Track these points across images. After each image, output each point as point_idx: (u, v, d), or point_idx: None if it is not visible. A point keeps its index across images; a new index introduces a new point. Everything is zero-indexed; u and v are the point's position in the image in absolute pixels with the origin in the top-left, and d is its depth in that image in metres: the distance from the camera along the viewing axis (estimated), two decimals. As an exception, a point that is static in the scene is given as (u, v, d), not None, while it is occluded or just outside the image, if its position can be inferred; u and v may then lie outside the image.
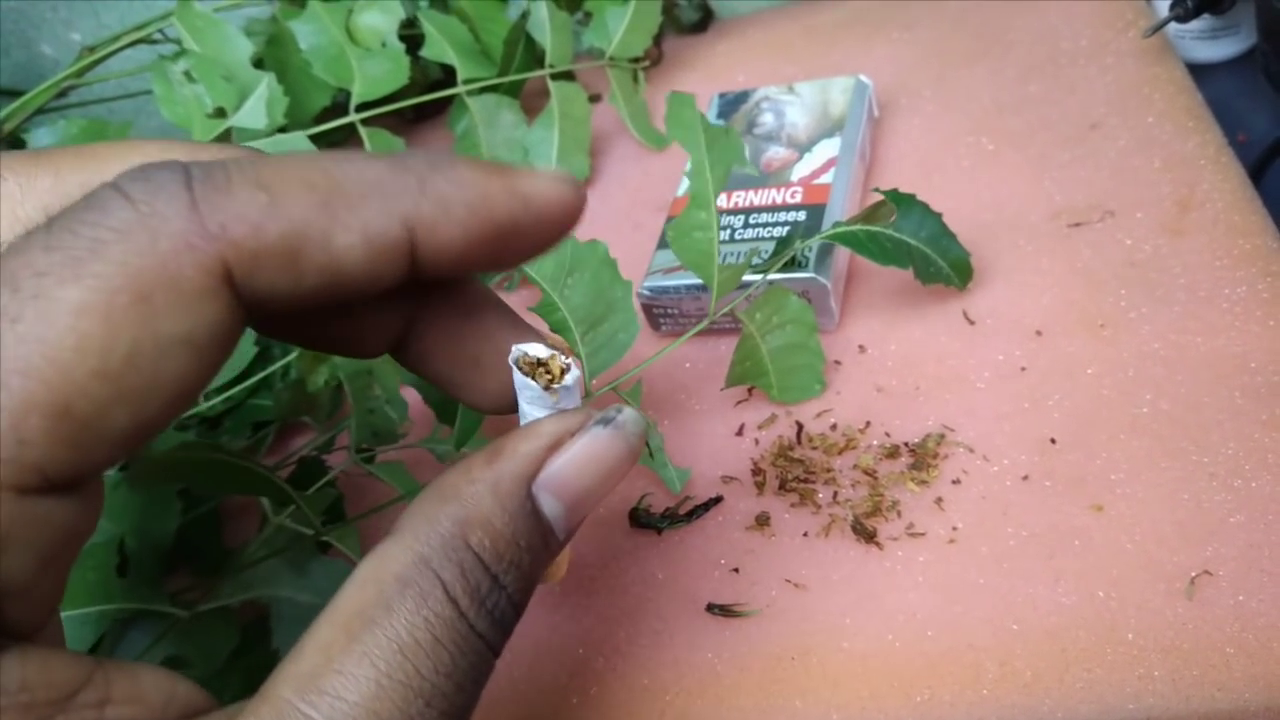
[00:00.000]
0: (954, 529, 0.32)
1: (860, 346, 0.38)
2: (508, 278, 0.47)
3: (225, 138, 0.46)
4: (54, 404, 0.17)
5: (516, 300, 0.46)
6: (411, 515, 0.20)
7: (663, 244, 0.41)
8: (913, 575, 0.31)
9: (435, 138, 0.58)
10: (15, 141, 0.49)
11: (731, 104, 0.47)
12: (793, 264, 0.38)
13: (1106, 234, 0.38)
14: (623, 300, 0.34)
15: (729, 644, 0.31)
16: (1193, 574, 0.28)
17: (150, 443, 0.19)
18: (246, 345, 0.44)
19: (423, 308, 0.24)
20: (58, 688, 0.18)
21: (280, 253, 0.18)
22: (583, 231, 0.30)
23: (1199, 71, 0.45)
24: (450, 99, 0.51)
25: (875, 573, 0.31)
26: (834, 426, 0.36)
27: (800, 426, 0.36)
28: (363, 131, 0.49)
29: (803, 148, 0.43)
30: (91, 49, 0.50)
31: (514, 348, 0.23)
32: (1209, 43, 0.47)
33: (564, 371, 0.23)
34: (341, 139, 0.52)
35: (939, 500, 0.32)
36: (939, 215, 0.36)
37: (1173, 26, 0.44)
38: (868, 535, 0.32)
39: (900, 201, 0.36)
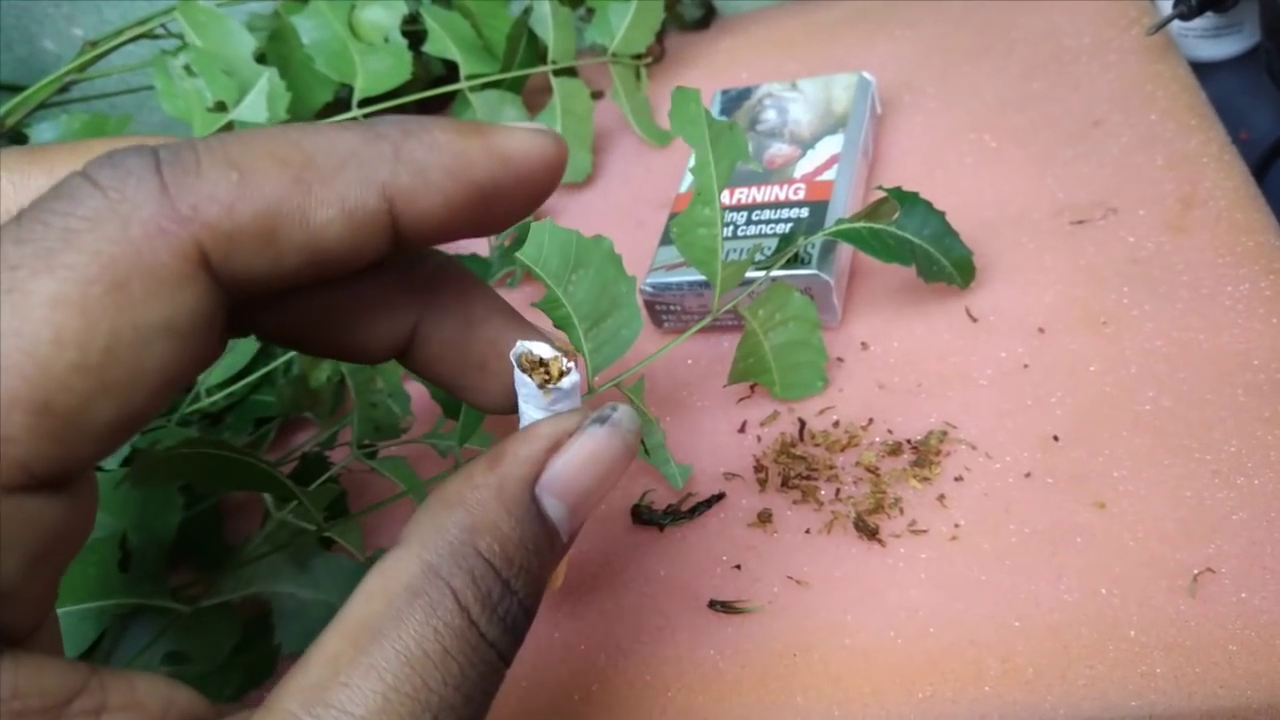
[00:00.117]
0: (956, 526, 0.32)
1: (863, 343, 0.38)
2: (510, 274, 0.47)
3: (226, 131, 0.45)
4: (34, 399, 0.16)
5: (520, 296, 0.46)
6: (417, 525, 0.20)
7: (665, 240, 0.41)
8: (915, 572, 0.31)
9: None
10: (17, 136, 0.49)
11: (734, 100, 0.47)
12: (795, 261, 0.38)
13: (1109, 231, 0.38)
14: (626, 296, 0.33)
15: (731, 641, 0.31)
16: (1195, 571, 0.28)
17: (139, 434, 0.19)
18: (248, 341, 0.44)
19: (428, 312, 0.24)
20: (52, 695, 0.17)
21: (256, 232, 0.18)
22: (586, 228, 0.30)
23: (1202, 69, 0.45)
24: (453, 95, 0.51)
25: (877, 569, 0.31)
26: (836, 423, 0.36)
27: (803, 423, 0.36)
28: (365, 127, 0.48)
29: (805, 144, 0.43)
30: (93, 44, 0.50)
31: (518, 343, 0.23)
32: (1212, 41, 0.47)
33: (563, 374, 0.23)
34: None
35: (941, 497, 0.32)
36: (942, 213, 0.36)
37: (1176, 24, 0.44)
38: (870, 532, 0.32)
39: (903, 199, 0.36)
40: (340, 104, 0.50)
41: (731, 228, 0.40)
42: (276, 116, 0.46)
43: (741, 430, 0.37)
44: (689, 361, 0.40)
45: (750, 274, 0.37)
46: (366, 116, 0.48)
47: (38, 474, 0.17)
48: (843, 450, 0.35)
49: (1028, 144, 0.43)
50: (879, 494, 0.33)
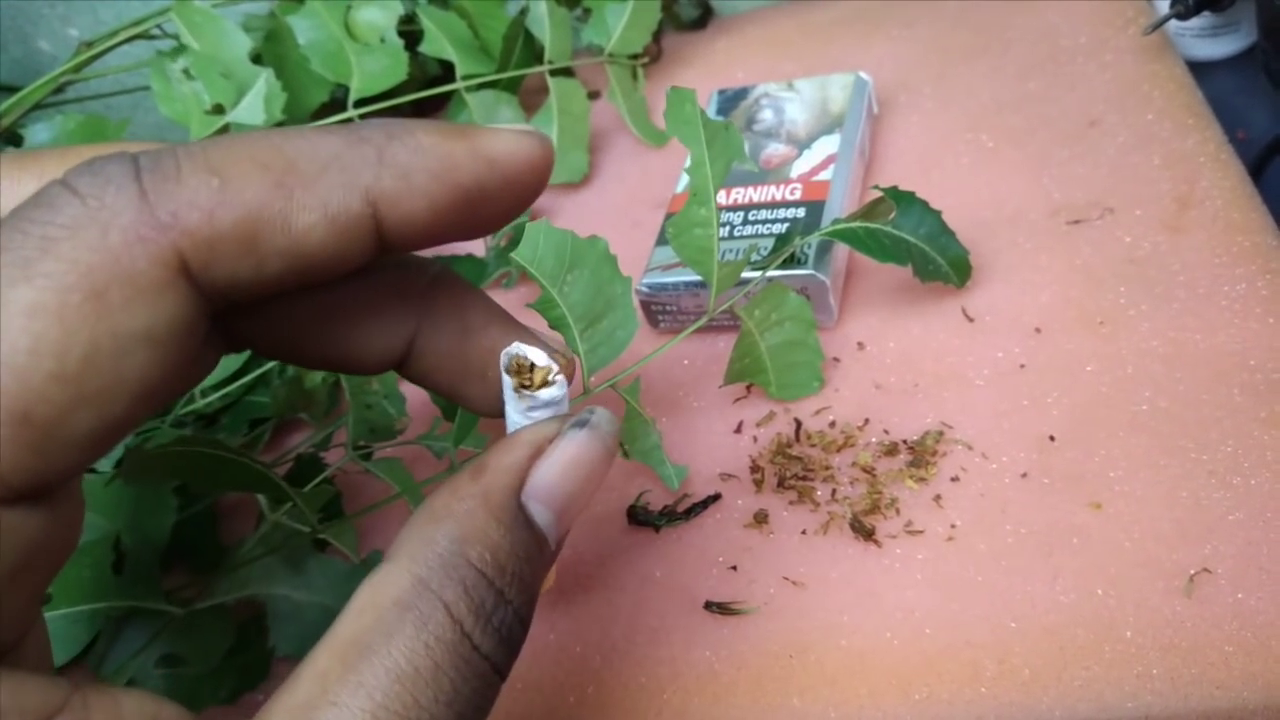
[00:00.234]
0: (952, 526, 0.32)
1: (859, 344, 0.38)
2: (505, 274, 0.47)
3: (222, 133, 0.45)
4: (12, 410, 0.16)
5: (515, 297, 0.46)
6: (406, 539, 0.20)
7: (661, 240, 0.41)
8: (911, 573, 0.31)
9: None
10: (12, 137, 0.49)
11: (731, 100, 0.47)
12: (792, 261, 0.38)
13: (1106, 231, 0.38)
14: (622, 297, 0.33)
15: (727, 642, 0.31)
16: (1191, 572, 0.28)
17: (123, 442, 0.18)
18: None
19: (425, 324, 0.23)
20: (33, 713, 0.17)
21: (237, 238, 0.18)
22: (582, 228, 0.30)
23: (1199, 69, 0.44)
24: (449, 95, 0.51)
25: (873, 570, 0.31)
26: (833, 424, 0.36)
27: (799, 424, 0.36)
28: (361, 128, 0.48)
29: (802, 144, 0.43)
30: (89, 45, 0.50)
31: (512, 345, 0.23)
32: (1209, 40, 0.47)
33: (546, 384, 0.23)
34: (339, 135, 0.52)
35: (937, 498, 0.32)
36: (938, 213, 0.36)
37: (1172, 24, 0.44)
38: (866, 533, 0.32)
39: (899, 199, 0.36)
40: (336, 104, 0.50)
41: (728, 228, 0.40)
42: (273, 117, 0.45)
43: (738, 431, 0.37)
44: (685, 362, 0.40)
45: (746, 274, 0.37)
46: (362, 117, 0.48)
47: (16, 486, 0.17)
48: (839, 451, 0.35)
49: (1024, 144, 0.43)
50: (875, 494, 0.33)
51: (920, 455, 0.33)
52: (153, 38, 0.50)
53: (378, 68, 0.49)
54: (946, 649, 0.29)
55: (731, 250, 0.39)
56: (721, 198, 0.41)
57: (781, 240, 0.39)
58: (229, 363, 0.44)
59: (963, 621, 0.29)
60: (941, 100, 0.47)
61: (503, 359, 0.23)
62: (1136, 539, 0.29)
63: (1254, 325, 0.33)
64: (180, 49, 0.47)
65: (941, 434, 0.34)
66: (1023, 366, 0.35)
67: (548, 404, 0.23)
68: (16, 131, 0.49)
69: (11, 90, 0.51)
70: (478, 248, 0.49)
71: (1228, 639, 0.27)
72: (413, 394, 0.41)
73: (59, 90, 0.52)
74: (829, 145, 0.42)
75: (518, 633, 0.20)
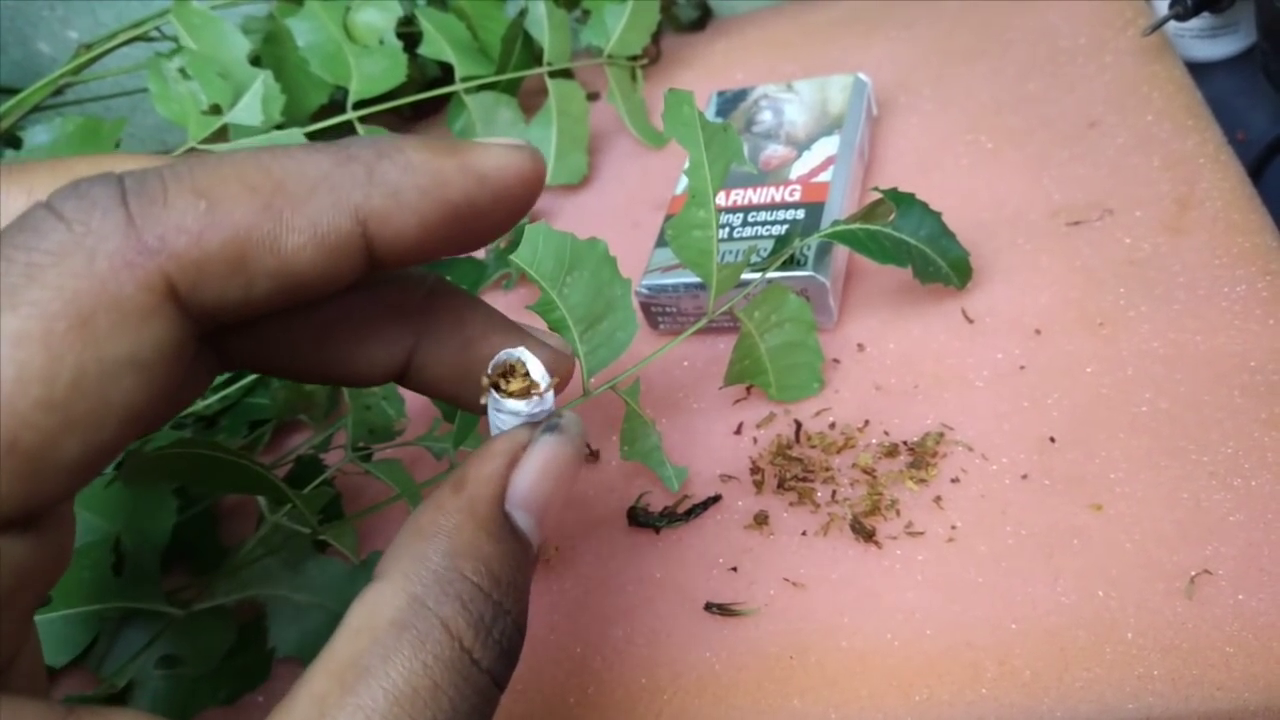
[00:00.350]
0: (953, 528, 0.32)
1: (859, 345, 0.38)
2: (505, 276, 0.47)
3: (221, 135, 0.45)
4: None
5: (515, 299, 0.46)
6: (396, 557, 0.20)
7: (661, 242, 0.41)
8: (911, 574, 0.31)
9: (433, 135, 0.58)
10: (12, 139, 0.49)
11: (730, 102, 0.47)
12: (791, 262, 0.38)
13: (1105, 232, 0.38)
14: (622, 298, 0.33)
15: (727, 643, 0.31)
16: (1192, 573, 0.28)
17: (108, 466, 0.18)
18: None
19: (424, 337, 0.23)
20: None
21: (225, 260, 0.18)
22: (581, 230, 0.30)
23: (1198, 70, 0.45)
24: (448, 97, 0.51)
25: (874, 571, 0.31)
26: (833, 425, 0.36)
27: (799, 425, 0.36)
28: (360, 129, 0.48)
29: (801, 146, 0.43)
30: (88, 46, 0.50)
31: (507, 351, 0.23)
32: (1208, 41, 0.47)
33: (524, 393, 0.23)
34: (338, 137, 0.52)
35: (938, 499, 0.32)
36: (938, 214, 0.36)
37: (1172, 25, 0.44)
38: (866, 534, 0.32)
39: (899, 200, 0.36)
40: (335, 106, 0.50)
41: (727, 229, 0.40)
42: (271, 119, 0.45)
43: (738, 432, 0.37)
44: (685, 363, 0.40)
45: (746, 276, 0.37)
46: (362, 119, 0.48)
47: (5, 513, 0.17)
48: (839, 452, 0.35)
49: (1024, 145, 0.43)
50: (875, 496, 0.33)
51: (920, 456, 0.33)
52: (152, 40, 0.50)
53: (377, 69, 0.48)
54: (947, 650, 0.29)
55: (731, 252, 0.39)
56: (721, 199, 0.41)
57: (781, 242, 0.39)
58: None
59: (963, 623, 0.29)
60: (941, 101, 0.47)
61: (491, 364, 0.23)
62: (1137, 540, 0.29)
63: (1254, 326, 0.33)
64: (179, 50, 0.47)
65: (942, 435, 0.34)
66: (1023, 368, 0.35)
67: (515, 413, 0.23)
68: (15, 134, 0.49)
69: (11, 92, 0.51)
70: (477, 250, 0.49)
71: (1229, 640, 0.27)
72: (412, 395, 0.41)
73: (58, 92, 0.52)
74: (828, 147, 0.42)
75: (517, 642, 0.20)
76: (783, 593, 0.32)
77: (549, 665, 0.33)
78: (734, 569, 0.33)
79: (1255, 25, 0.43)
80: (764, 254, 0.39)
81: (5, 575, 0.17)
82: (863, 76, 0.45)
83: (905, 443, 0.34)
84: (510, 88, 0.52)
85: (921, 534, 0.32)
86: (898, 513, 0.32)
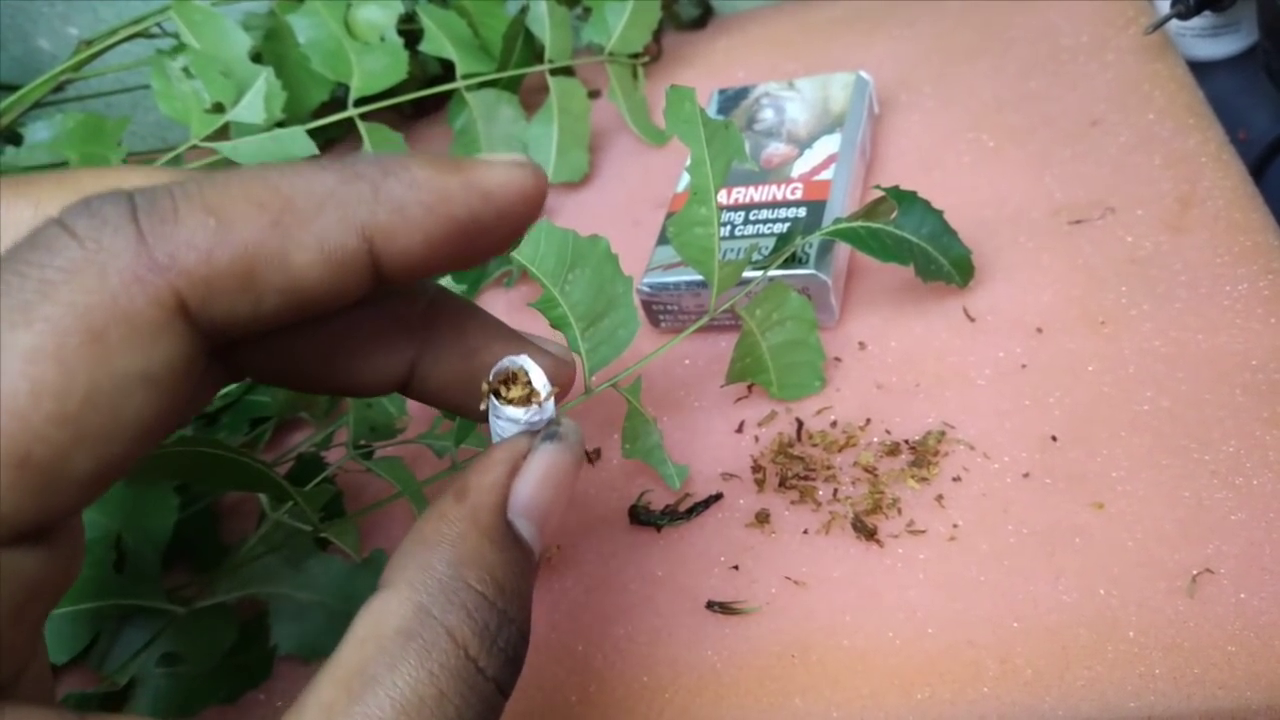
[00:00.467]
0: (954, 526, 0.32)
1: (860, 343, 0.38)
2: (506, 274, 0.47)
3: (223, 132, 0.45)
4: (12, 453, 0.16)
5: (516, 296, 0.46)
6: (401, 567, 0.20)
7: (663, 240, 0.41)
8: (913, 573, 0.31)
9: (434, 133, 0.58)
10: (12, 136, 0.49)
11: (731, 100, 0.47)
12: (793, 260, 0.38)
13: (1107, 231, 0.38)
14: (623, 296, 0.33)
15: (728, 641, 0.31)
16: (1194, 572, 0.28)
17: (119, 480, 0.18)
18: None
19: (426, 348, 0.24)
20: None
21: (234, 277, 0.18)
22: (583, 227, 0.30)
23: (1200, 69, 0.44)
24: (449, 94, 0.51)
25: (875, 570, 0.31)
26: (834, 423, 0.36)
27: (800, 423, 0.36)
28: (361, 126, 0.48)
29: (803, 144, 0.43)
30: (89, 43, 0.50)
31: (509, 359, 0.23)
32: (1210, 40, 0.47)
33: (524, 401, 0.23)
34: (340, 134, 0.52)
35: (939, 497, 0.32)
36: (940, 212, 0.36)
37: (1174, 24, 0.44)
38: (868, 533, 0.32)
39: (901, 198, 0.36)
40: (336, 103, 0.50)
41: (729, 227, 0.40)
42: (273, 116, 0.45)
43: (739, 430, 0.37)
44: (686, 361, 0.40)
45: (747, 273, 0.37)
46: (363, 116, 0.48)
47: (16, 526, 0.17)
48: (840, 450, 0.35)
49: (1025, 143, 0.43)
50: (877, 494, 0.33)
51: (922, 455, 0.33)
52: (152, 36, 0.50)
53: (378, 66, 0.48)
54: (949, 649, 0.29)
55: (732, 250, 0.39)
56: (722, 197, 0.41)
57: (783, 240, 0.39)
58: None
59: (965, 621, 0.29)
60: (943, 99, 0.47)
61: (493, 371, 0.23)
62: (1139, 539, 0.29)
63: (1256, 325, 0.33)
64: (180, 47, 0.47)
65: (943, 434, 0.34)
66: (1024, 366, 0.35)
67: (514, 420, 0.23)
68: (16, 130, 0.49)
69: (11, 89, 0.51)
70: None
71: (1231, 639, 0.27)
72: (414, 393, 0.41)
73: (59, 89, 0.52)
74: (830, 145, 0.42)
75: (521, 648, 0.21)
76: (784, 591, 0.32)
77: (550, 663, 0.33)
78: (735, 567, 0.33)
79: (1257, 24, 0.43)
80: (765, 252, 0.39)
81: (17, 588, 0.17)
82: (864, 74, 0.45)
83: (907, 441, 0.34)
84: (511, 85, 0.52)
85: (923, 532, 0.32)
86: (899, 511, 0.32)
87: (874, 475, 0.34)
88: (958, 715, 0.28)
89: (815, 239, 0.37)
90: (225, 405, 0.44)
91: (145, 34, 0.50)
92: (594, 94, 0.54)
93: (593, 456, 0.38)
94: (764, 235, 0.39)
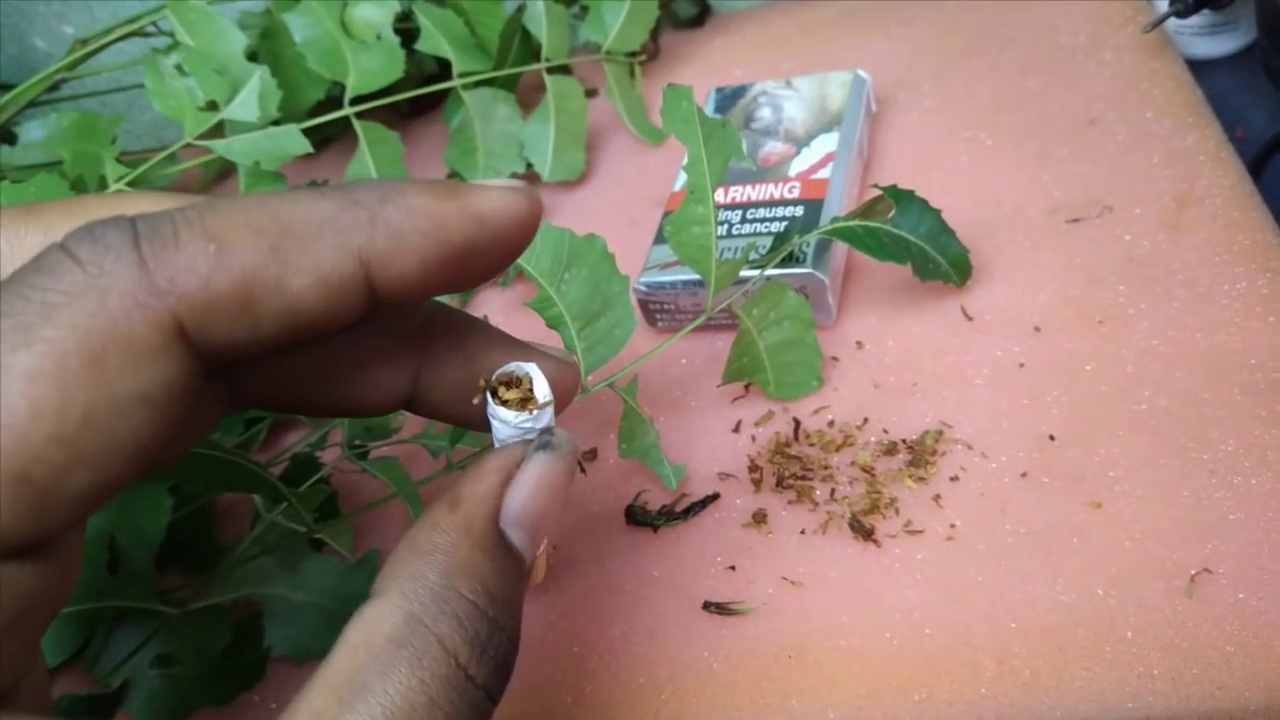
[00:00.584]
0: (952, 526, 0.31)
1: (858, 343, 0.38)
2: (503, 273, 0.47)
3: (217, 130, 0.45)
4: (11, 471, 0.16)
5: (512, 295, 0.46)
6: (392, 575, 0.20)
7: (659, 239, 0.41)
8: (910, 573, 0.31)
9: (430, 132, 0.58)
10: (7, 135, 0.49)
11: (729, 98, 0.47)
12: (790, 259, 0.37)
13: (1105, 230, 0.38)
14: (620, 295, 0.33)
15: (725, 642, 0.31)
16: (1192, 571, 0.28)
17: (114, 499, 0.19)
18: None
19: (426, 363, 0.24)
20: None
21: (232, 301, 0.18)
22: (579, 226, 0.30)
23: (1198, 67, 0.44)
24: (445, 93, 0.51)
25: (873, 570, 0.31)
26: (831, 423, 0.36)
27: (797, 423, 0.36)
28: (357, 125, 0.48)
29: (800, 143, 0.43)
30: (84, 42, 0.50)
31: (515, 364, 0.23)
32: (1208, 38, 0.47)
33: (520, 405, 0.23)
34: (336, 133, 0.52)
35: (937, 497, 0.32)
36: (938, 211, 0.36)
37: (1172, 22, 0.44)
38: (865, 533, 0.32)
39: (899, 197, 0.35)
40: (332, 102, 0.50)
41: (726, 226, 0.40)
42: (268, 114, 0.45)
43: (736, 430, 0.37)
44: (683, 361, 0.40)
45: (745, 273, 0.37)
46: (359, 115, 0.48)
47: (13, 542, 0.17)
48: (838, 450, 0.35)
49: (1023, 142, 0.43)
50: (874, 494, 0.33)
51: (919, 455, 0.33)
52: (148, 35, 0.50)
53: (374, 65, 0.48)
54: (946, 649, 0.29)
55: (730, 249, 0.39)
56: (720, 196, 0.41)
57: (780, 239, 0.39)
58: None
59: (962, 622, 0.29)
60: (940, 98, 0.47)
61: (496, 372, 0.23)
62: (1137, 539, 0.29)
63: (1254, 324, 0.33)
64: (175, 46, 0.46)
65: (941, 433, 0.34)
66: (1022, 365, 0.35)
67: (513, 425, 0.23)
68: (11, 129, 0.49)
69: (6, 87, 0.51)
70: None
71: (1229, 639, 0.27)
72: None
73: (54, 88, 0.52)
74: (827, 143, 0.42)
75: (511, 656, 0.21)
76: (781, 591, 0.32)
77: (546, 664, 0.33)
78: (732, 568, 0.33)
79: (1255, 22, 0.42)
80: (763, 251, 0.38)
81: (14, 601, 0.18)
82: (862, 73, 0.45)
83: (904, 441, 0.34)
84: (508, 84, 0.52)
85: (920, 532, 0.32)
86: (896, 511, 0.32)
87: (871, 475, 0.33)
88: (955, 716, 0.28)
89: (813, 238, 0.37)
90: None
91: (140, 33, 0.49)
92: (591, 93, 0.54)
93: (589, 456, 0.38)
94: (761, 234, 0.39)
